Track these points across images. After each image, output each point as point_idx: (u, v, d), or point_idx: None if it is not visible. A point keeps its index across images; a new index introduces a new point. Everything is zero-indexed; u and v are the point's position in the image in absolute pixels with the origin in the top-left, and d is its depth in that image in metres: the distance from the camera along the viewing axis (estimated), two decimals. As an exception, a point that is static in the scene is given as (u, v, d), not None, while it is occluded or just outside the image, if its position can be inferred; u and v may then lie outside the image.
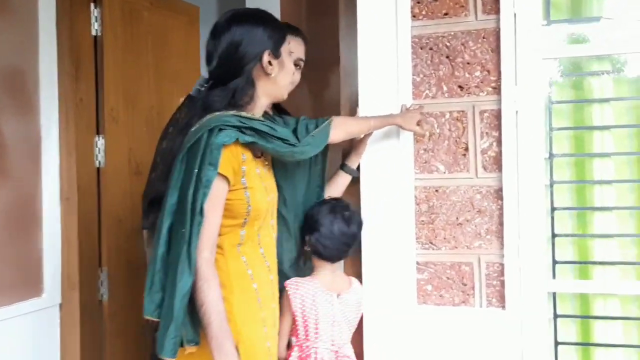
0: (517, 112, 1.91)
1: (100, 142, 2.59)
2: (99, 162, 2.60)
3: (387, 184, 2.02)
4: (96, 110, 2.61)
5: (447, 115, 1.99)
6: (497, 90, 1.93)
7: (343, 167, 2.08)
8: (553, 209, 1.99)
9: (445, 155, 1.99)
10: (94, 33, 2.61)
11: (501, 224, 1.93)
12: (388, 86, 2.02)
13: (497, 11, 1.92)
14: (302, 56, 2.03)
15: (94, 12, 2.60)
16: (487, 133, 1.95)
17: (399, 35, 2.00)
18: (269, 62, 1.61)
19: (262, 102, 1.64)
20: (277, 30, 1.65)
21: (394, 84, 2.01)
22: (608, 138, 1.98)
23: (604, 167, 1.98)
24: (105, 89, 2.60)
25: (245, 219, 1.56)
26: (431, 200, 2.00)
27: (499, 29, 1.92)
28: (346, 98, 2.16)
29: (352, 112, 2.12)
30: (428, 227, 2.01)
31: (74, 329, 2.47)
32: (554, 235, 1.99)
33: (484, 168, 1.95)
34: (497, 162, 1.93)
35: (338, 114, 2.13)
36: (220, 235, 1.54)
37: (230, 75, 1.57)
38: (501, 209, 1.93)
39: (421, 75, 2.01)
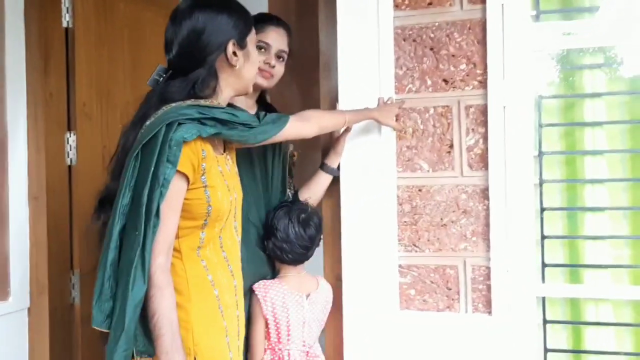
0: (504, 107, 1.81)
1: (71, 138, 2.48)
2: (70, 159, 2.48)
3: (368, 183, 1.92)
4: (67, 105, 2.49)
5: (432, 111, 1.89)
6: (484, 84, 1.83)
7: (322, 166, 1.98)
8: (542, 209, 1.89)
9: (429, 152, 1.89)
10: (65, 24, 2.49)
11: (488, 225, 1.83)
12: (369, 80, 1.91)
13: (484, 1, 1.82)
14: (284, 47, 1.92)
15: (65, 2, 2.48)
16: (473, 129, 1.85)
17: (381, 26, 1.89)
18: (234, 53, 1.50)
19: (225, 95, 1.53)
20: (243, 19, 1.54)
21: (375, 77, 1.91)
22: (600, 135, 1.89)
23: (595, 165, 1.89)
24: (77, 83, 2.48)
25: (206, 220, 1.45)
26: (414, 200, 1.90)
27: (486, 19, 1.82)
28: (326, 92, 2.05)
29: (332, 107, 2.02)
30: (411, 229, 1.91)
31: (43, 334, 2.35)
32: (543, 237, 1.89)
33: (470, 166, 1.85)
34: (484, 160, 1.84)
35: (318, 109, 2.02)
36: (178, 238, 1.42)
37: (191, 65, 1.46)
38: (488, 209, 1.83)
39: (404, 69, 1.91)
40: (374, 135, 1.91)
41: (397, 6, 1.90)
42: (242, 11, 1.54)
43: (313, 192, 1.98)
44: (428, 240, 1.89)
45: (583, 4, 1.92)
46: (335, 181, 1.98)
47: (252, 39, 1.56)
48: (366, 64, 1.91)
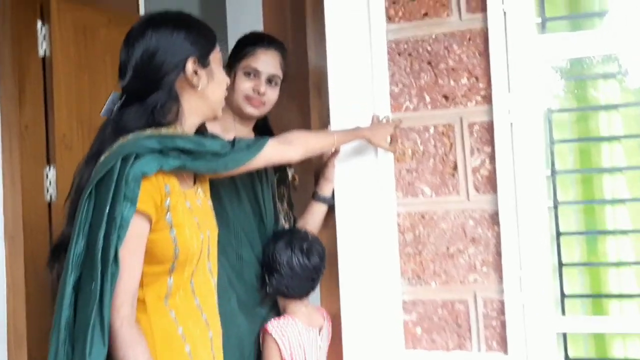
0: (511, 123, 1.65)
1: (51, 172, 2.33)
2: (50, 195, 2.33)
3: (365, 210, 1.75)
4: (46, 137, 2.36)
5: (432, 130, 1.73)
6: (488, 99, 1.67)
7: (315, 195, 1.82)
8: (559, 234, 1.71)
9: (431, 175, 1.72)
10: (42, 54, 2.37)
11: (499, 253, 1.66)
12: (363, 99, 1.76)
13: (484, 9, 1.67)
14: (276, 71, 1.76)
15: (42, 30, 2.36)
16: (478, 149, 1.69)
17: (373, 40, 1.74)
18: (195, 72, 1.35)
19: (190, 121, 1.37)
20: (204, 35, 1.38)
21: (369, 96, 1.75)
22: (618, 150, 1.72)
23: (615, 184, 1.71)
24: (56, 113, 2.35)
25: (173, 263, 1.27)
26: (417, 229, 1.73)
27: (487, 29, 1.67)
28: (316, 114, 1.90)
29: (324, 128, 1.86)
30: (415, 260, 1.73)
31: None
32: (561, 265, 1.71)
33: (477, 189, 1.69)
34: (491, 182, 1.67)
35: (305, 129, 1.86)
36: (141, 286, 1.25)
37: (147, 88, 1.30)
38: (498, 236, 1.66)
39: (400, 85, 1.75)
40: (370, 157, 1.75)
41: (389, 18, 1.76)
42: (201, 27, 1.39)
43: (308, 224, 1.82)
44: (434, 273, 1.72)
45: (591, 9, 1.76)
46: (333, 210, 1.82)
47: (215, 57, 1.40)
48: (359, 82, 1.76)
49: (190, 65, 1.33)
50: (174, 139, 1.29)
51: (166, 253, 1.26)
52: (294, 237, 1.73)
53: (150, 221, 1.23)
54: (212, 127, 1.61)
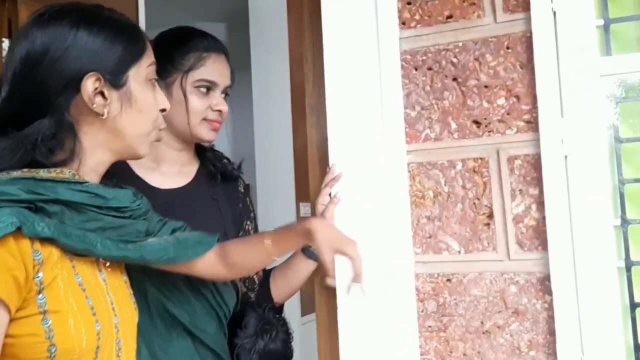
0: (566, 156, 1.24)
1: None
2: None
3: (373, 272, 1.35)
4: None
5: (459, 166, 1.32)
6: (534, 125, 1.27)
7: (305, 249, 1.42)
8: (634, 306, 1.28)
9: (458, 225, 1.31)
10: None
11: (552, 332, 1.23)
12: (370, 127, 1.37)
13: (527, 7, 1.28)
14: (230, 80, 1.41)
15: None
16: (521, 190, 1.27)
17: (382, 51, 1.36)
18: (100, 94, 0.97)
19: (94, 160, 1.00)
20: (124, 40, 0.99)
21: (378, 123, 1.36)
22: None
23: None
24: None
25: None
26: (441, 295, 1.32)
27: (531, 33, 1.27)
28: (314, 146, 1.52)
29: (322, 165, 1.48)
30: (438, 337, 1.32)
31: None
32: (637, 347, 1.27)
33: (520, 245, 1.27)
34: (540, 236, 1.25)
35: (303, 172, 1.48)
36: None
37: (28, 112, 0.94)
38: (550, 308, 1.23)
39: (417, 108, 1.36)
40: (380, 201, 1.35)
41: (403, 23, 1.37)
42: (122, 28, 1.00)
43: (288, 280, 1.43)
44: (464, 356, 1.29)
45: (669, 7, 1.35)
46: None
47: (140, 74, 1.01)
48: (365, 106, 1.37)
49: (89, 84, 0.95)
50: (55, 185, 0.91)
51: (35, 353, 0.87)
52: (262, 323, 1.34)
53: (8, 310, 0.85)
54: (138, 161, 1.30)
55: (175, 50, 1.36)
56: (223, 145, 4.38)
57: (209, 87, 1.36)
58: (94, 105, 0.95)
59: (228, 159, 1.49)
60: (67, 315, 0.90)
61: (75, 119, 0.95)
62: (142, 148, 1.04)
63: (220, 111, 1.36)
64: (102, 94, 0.96)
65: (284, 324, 1.41)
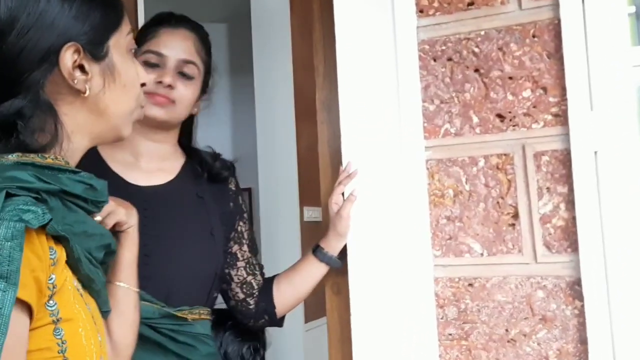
0: (596, 152, 1.16)
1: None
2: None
3: (389, 274, 1.26)
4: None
5: (482, 162, 1.24)
6: (562, 118, 1.18)
7: (316, 251, 1.33)
8: (670, 312, 1.19)
9: (481, 226, 1.23)
10: None
11: (583, 340, 1.15)
12: (385, 122, 1.29)
13: (554, -6, 1.20)
14: (189, 56, 1.30)
15: None
16: (549, 189, 1.19)
17: (399, 41, 1.28)
18: (79, 67, 0.84)
19: (76, 145, 0.89)
20: (101, 7, 0.87)
21: (394, 118, 1.28)
22: None
23: None
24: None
25: None
26: (463, 301, 1.23)
27: (559, 20, 1.19)
28: (325, 143, 1.43)
29: (334, 163, 1.40)
30: (459, 346, 1.23)
31: None
32: (674, 357, 1.19)
33: (548, 247, 1.19)
34: (569, 237, 1.17)
35: (306, 176, 1.41)
36: None
37: (2, 89, 0.85)
38: (581, 314, 1.15)
39: (437, 101, 1.27)
40: (396, 200, 1.27)
41: (421, 11, 1.29)
42: None
43: (295, 285, 1.35)
44: (487, 365, 1.21)
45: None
46: (338, 273, 1.34)
47: (120, 43, 0.89)
48: (380, 99, 1.29)
49: (68, 56, 0.83)
50: (56, 175, 0.82)
51: None
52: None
53: (31, 316, 0.75)
54: (114, 153, 1.25)
55: (140, 32, 1.31)
56: (225, 148, 4.31)
57: (156, 60, 1.27)
58: (75, 81, 0.84)
59: (222, 159, 1.40)
60: (78, 324, 0.79)
61: (52, 98, 0.84)
62: (126, 129, 0.93)
63: (170, 86, 1.25)
64: (81, 67, 0.85)
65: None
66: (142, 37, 1.30)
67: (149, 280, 1.19)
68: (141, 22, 2.55)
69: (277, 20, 3.33)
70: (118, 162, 1.28)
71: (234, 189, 1.41)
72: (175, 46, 1.28)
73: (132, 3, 2.53)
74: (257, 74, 3.40)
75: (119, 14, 0.90)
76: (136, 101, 0.93)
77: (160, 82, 1.25)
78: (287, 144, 3.24)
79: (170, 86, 1.26)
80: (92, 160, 1.24)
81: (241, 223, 1.39)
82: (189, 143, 1.40)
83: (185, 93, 1.28)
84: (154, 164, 1.31)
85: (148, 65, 1.26)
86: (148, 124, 1.27)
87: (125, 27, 0.91)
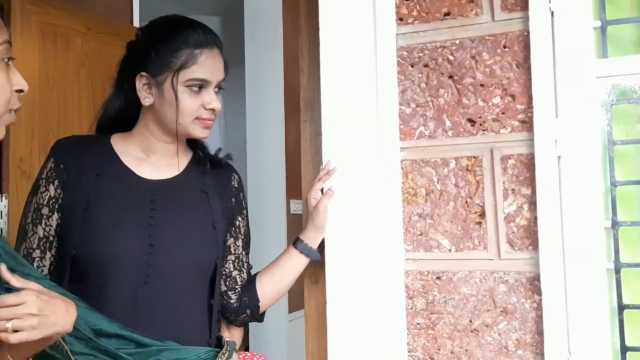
0: (559, 157, 1.24)
1: (2, 202, 1.98)
2: (1, 229, 1.98)
3: (363, 267, 1.35)
4: (0, 161, 2.02)
5: (453, 164, 1.32)
6: (528, 124, 1.27)
7: (297, 243, 1.41)
8: (622, 308, 1.28)
9: (450, 223, 1.31)
10: (-1, 63, 2.04)
11: (540, 332, 1.23)
12: (364, 122, 1.37)
13: (525, 7, 1.28)
14: (223, 74, 1.34)
15: None
16: (513, 190, 1.28)
17: (379, 47, 1.36)
18: None
19: None
20: None
21: (372, 119, 1.36)
22: (702, 196, 1.29)
23: (698, 242, 1.28)
24: (12, 134, 2.01)
25: None
26: (431, 293, 1.32)
27: (528, 32, 1.27)
28: (308, 141, 1.51)
29: (316, 160, 1.47)
30: (427, 335, 1.31)
31: None
32: (625, 350, 1.27)
33: (511, 244, 1.27)
34: (531, 236, 1.25)
35: (294, 169, 1.48)
36: None
37: None
38: (539, 308, 1.24)
39: (412, 105, 1.35)
40: (372, 197, 1.35)
41: (401, 19, 1.37)
42: None
43: (277, 279, 1.42)
44: (451, 353, 1.29)
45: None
46: (317, 265, 1.42)
47: None
48: (359, 102, 1.37)
49: None
50: None
51: None
52: None
53: None
54: (126, 147, 1.32)
55: (164, 46, 1.30)
56: (215, 140, 4.36)
57: (201, 85, 1.30)
58: None
59: (219, 149, 1.47)
60: None
61: None
62: None
63: (213, 109, 1.31)
64: None
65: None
66: (172, 56, 1.29)
67: (153, 269, 1.26)
68: (136, 17, 2.61)
69: (270, 16, 3.39)
70: (130, 156, 1.35)
71: (236, 185, 1.47)
72: (216, 69, 1.31)
73: (127, 10, 2.59)
74: (248, 67, 3.46)
75: None
76: (4, 106, 0.98)
77: (210, 109, 1.30)
78: (276, 137, 3.31)
79: (218, 110, 1.32)
80: (106, 153, 1.33)
81: (240, 218, 1.45)
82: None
83: (220, 108, 1.33)
84: (164, 160, 1.37)
85: (193, 91, 1.29)
86: (200, 138, 1.35)
87: None
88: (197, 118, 1.30)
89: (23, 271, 1.01)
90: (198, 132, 1.31)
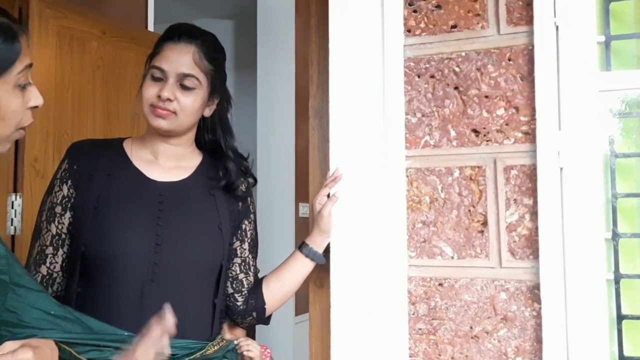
0: (561, 169, 1.27)
1: (17, 202, 2.03)
2: (15, 227, 2.03)
3: (367, 272, 1.37)
4: (15, 161, 2.06)
5: (457, 173, 1.35)
6: (531, 136, 1.29)
7: (302, 247, 1.44)
8: (621, 317, 1.30)
9: (453, 231, 1.34)
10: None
11: (539, 340, 1.26)
12: (370, 132, 1.40)
13: (530, 21, 1.30)
14: (188, 70, 1.36)
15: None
16: (516, 200, 1.30)
17: (387, 57, 1.39)
18: None
19: None
20: None
21: (379, 128, 1.39)
22: (702, 210, 1.31)
23: (697, 254, 1.30)
24: (27, 134, 2.05)
25: None
26: (433, 299, 1.35)
27: (533, 46, 1.30)
28: (316, 148, 1.54)
29: (323, 167, 1.51)
30: (428, 340, 1.34)
31: None
32: (623, 359, 1.29)
33: (512, 253, 1.30)
34: (532, 245, 1.28)
35: (303, 173, 1.51)
36: None
37: None
38: (539, 316, 1.26)
39: (418, 115, 1.38)
40: (377, 204, 1.38)
41: (409, 31, 1.40)
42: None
43: (283, 282, 1.45)
44: (452, 359, 1.32)
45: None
46: (321, 270, 1.45)
47: (9, 81, 0.98)
48: (367, 110, 1.40)
49: None
50: None
51: None
52: None
53: None
54: (137, 150, 1.36)
55: (154, 48, 1.40)
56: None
57: (160, 76, 1.34)
58: None
59: (251, 173, 1.50)
60: None
61: None
62: (1, 147, 1.03)
63: (169, 99, 1.33)
64: None
65: None
66: (153, 52, 1.39)
67: (159, 267, 1.30)
68: (151, 22, 2.66)
69: (282, 20, 3.43)
70: (140, 159, 1.40)
71: (244, 190, 1.49)
72: (174, 60, 1.35)
73: (142, 2, 2.64)
74: (260, 71, 3.50)
75: (13, 56, 0.98)
76: (14, 127, 1.02)
77: (158, 97, 1.34)
78: (286, 140, 3.34)
79: (169, 99, 1.34)
80: (118, 156, 1.37)
81: (246, 222, 1.48)
82: (215, 139, 1.49)
83: (186, 103, 1.35)
84: (171, 162, 1.41)
85: (153, 79, 1.35)
86: (158, 132, 1.38)
87: (19, 66, 0.99)
88: (152, 105, 1.34)
89: (19, 283, 1.05)
90: (152, 120, 1.35)
